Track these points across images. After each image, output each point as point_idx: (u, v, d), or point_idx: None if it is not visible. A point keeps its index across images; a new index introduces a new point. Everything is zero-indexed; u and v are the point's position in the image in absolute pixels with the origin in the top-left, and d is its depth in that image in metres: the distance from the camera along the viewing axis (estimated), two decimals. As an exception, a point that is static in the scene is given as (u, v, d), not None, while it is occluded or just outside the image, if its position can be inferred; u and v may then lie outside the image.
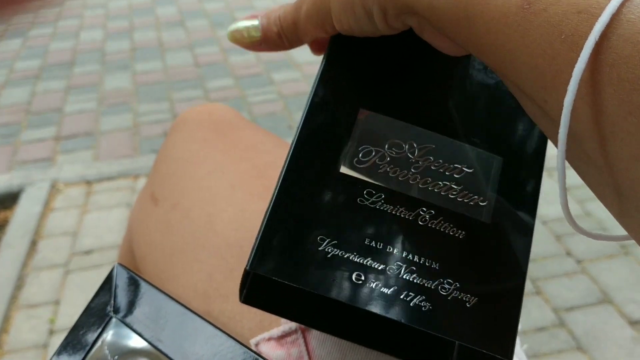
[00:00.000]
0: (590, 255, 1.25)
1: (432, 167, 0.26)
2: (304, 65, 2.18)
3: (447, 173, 0.26)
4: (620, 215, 0.19)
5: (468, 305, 0.24)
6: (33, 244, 1.37)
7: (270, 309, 0.27)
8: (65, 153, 1.74)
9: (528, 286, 1.18)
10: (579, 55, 0.17)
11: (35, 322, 1.17)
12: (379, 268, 0.25)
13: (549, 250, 1.28)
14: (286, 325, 0.34)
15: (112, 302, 0.30)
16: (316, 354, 0.33)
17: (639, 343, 1.06)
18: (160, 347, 0.28)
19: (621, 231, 0.21)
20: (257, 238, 0.25)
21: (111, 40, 2.57)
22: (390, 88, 0.28)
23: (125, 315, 0.30)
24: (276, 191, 0.26)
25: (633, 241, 0.19)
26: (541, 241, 1.30)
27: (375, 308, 0.24)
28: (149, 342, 0.28)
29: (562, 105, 0.17)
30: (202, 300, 0.37)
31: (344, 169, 0.26)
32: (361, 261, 0.25)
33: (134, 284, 0.30)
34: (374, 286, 0.24)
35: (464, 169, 0.27)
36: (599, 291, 1.17)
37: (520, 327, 0.39)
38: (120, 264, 0.31)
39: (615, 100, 0.16)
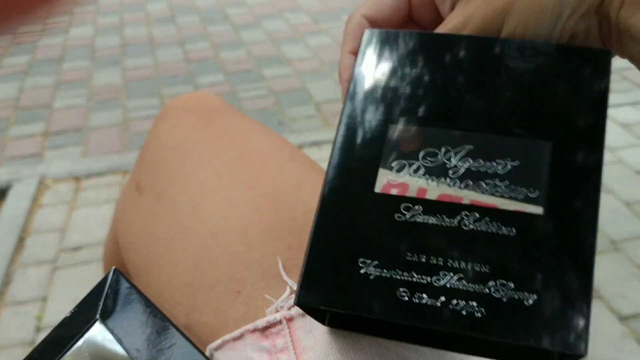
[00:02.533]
0: (580, 251, 1.26)
1: (472, 169, 0.26)
2: (295, 61, 2.17)
3: (489, 171, 0.26)
4: None
5: (527, 304, 0.23)
6: (21, 240, 1.36)
7: (332, 326, 0.29)
8: (54, 149, 1.73)
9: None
10: None
11: (23, 318, 1.16)
12: (424, 281, 0.24)
13: (539, 246, 1.28)
14: (271, 316, 0.33)
15: (101, 305, 0.29)
16: (301, 345, 0.32)
17: (628, 338, 1.06)
18: (136, 356, 0.28)
19: None
20: (301, 270, 0.26)
21: (101, 36, 2.55)
22: (418, 97, 0.28)
23: (111, 321, 0.30)
24: (315, 221, 0.26)
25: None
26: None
27: (423, 322, 0.24)
28: (127, 351, 0.28)
29: None
30: (186, 290, 0.36)
31: (378, 187, 0.26)
32: (405, 277, 0.24)
33: (126, 291, 0.30)
34: (419, 301, 0.24)
35: (508, 162, 0.26)
36: (589, 287, 1.17)
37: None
38: (117, 269, 0.30)
39: None
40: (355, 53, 0.31)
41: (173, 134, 0.46)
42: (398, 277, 0.25)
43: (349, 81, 0.30)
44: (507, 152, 0.26)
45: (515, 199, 0.25)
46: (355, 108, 0.28)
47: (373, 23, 0.31)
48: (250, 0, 2.85)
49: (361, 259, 0.25)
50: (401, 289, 0.24)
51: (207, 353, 0.36)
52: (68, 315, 0.31)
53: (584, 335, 0.23)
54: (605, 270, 1.21)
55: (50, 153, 1.71)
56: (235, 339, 0.33)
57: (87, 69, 2.23)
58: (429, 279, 0.24)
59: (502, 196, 0.25)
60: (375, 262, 0.25)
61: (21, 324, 1.15)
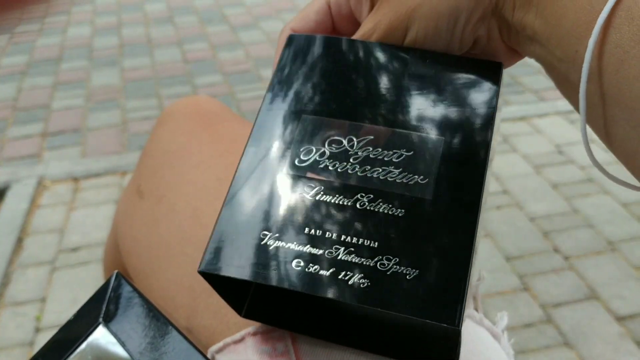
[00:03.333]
0: (577, 252, 1.26)
1: (371, 156, 0.29)
2: (294, 62, 2.17)
3: (385, 159, 0.28)
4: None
5: (408, 278, 0.25)
6: (19, 241, 1.36)
7: (248, 316, 0.31)
8: (52, 149, 1.73)
9: (516, 282, 1.19)
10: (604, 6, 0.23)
11: (22, 319, 1.16)
12: (318, 253, 0.26)
13: (536, 246, 1.28)
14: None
15: (104, 308, 0.30)
16: (302, 349, 0.32)
17: (625, 338, 1.07)
18: (139, 359, 0.29)
19: None
20: (208, 241, 0.28)
21: (99, 36, 2.55)
22: (329, 94, 0.31)
23: (114, 324, 0.30)
24: (226, 197, 0.29)
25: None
26: (529, 238, 1.31)
27: (313, 290, 0.25)
28: (130, 354, 0.29)
29: (588, 45, 0.23)
30: (187, 294, 0.36)
31: (286, 168, 0.29)
32: (300, 249, 0.27)
33: (128, 295, 0.31)
34: (312, 270, 0.26)
35: (404, 152, 0.29)
36: (586, 287, 1.18)
37: (507, 322, 0.39)
38: (120, 273, 0.31)
39: (627, 35, 0.22)
40: None
41: (173, 138, 0.47)
42: (295, 248, 0.27)
43: None
44: (404, 144, 0.29)
45: (407, 184, 0.28)
46: (273, 98, 0.31)
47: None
48: (248, 1, 2.85)
49: (263, 232, 0.27)
50: (296, 260, 0.26)
51: (208, 356, 0.36)
52: (71, 318, 0.31)
53: (458, 309, 0.24)
54: (603, 271, 1.21)
55: (49, 154, 1.71)
56: (236, 342, 0.34)
57: (85, 70, 2.23)
58: (322, 251, 0.26)
59: (395, 181, 0.28)
60: (276, 235, 0.27)
61: (20, 324, 1.15)
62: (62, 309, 1.18)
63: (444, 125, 0.29)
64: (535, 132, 1.70)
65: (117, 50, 2.39)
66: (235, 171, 0.29)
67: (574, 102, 0.27)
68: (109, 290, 0.31)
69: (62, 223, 1.42)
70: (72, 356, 0.29)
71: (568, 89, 0.27)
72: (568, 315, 1.12)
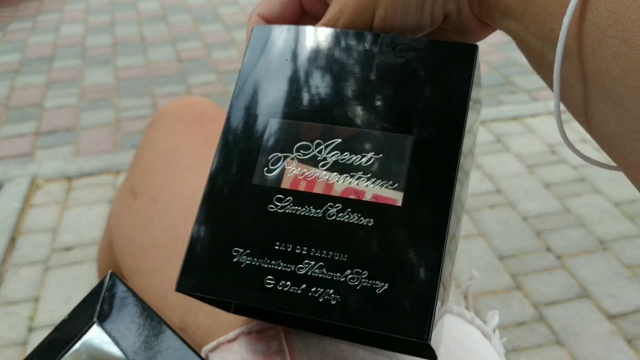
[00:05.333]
0: (569, 251, 1.27)
1: (340, 161, 0.27)
2: (288, 61, 2.17)
3: (354, 164, 0.27)
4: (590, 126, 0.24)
5: (378, 292, 0.25)
6: (12, 241, 1.35)
7: (237, 312, 0.32)
8: (45, 149, 1.72)
9: (508, 281, 1.20)
10: None
11: (15, 319, 1.16)
12: (288, 270, 0.26)
13: (529, 246, 1.29)
14: (266, 318, 0.34)
15: (99, 308, 0.30)
16: (295, 347, 0.33)
17: (616, 337, 1.08)
18: (134, 359, 0.29)
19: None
20: (183, 259, 0.27)
21: (92, 35, 2.54)
22: (296, 93, 0.29)
23: (108, 323, 0.30)
24: (197, 213, 0.28)
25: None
26: (521, 237, 1.32)
27: (284, 308, 0.25)
28: (124, 353, 0.29)
29: (563, 23, 0.22)
30: (180, 294, 0.37)
31: (255, 180, 0.28)
32: (272, 266, 0.26)
33: (122, 294, 0.31)
34: (283, 288, 0.25)
35: (373, 155, 0.27)
36: (578, 286, 1.19)
37: (499, 321, 0.40)
38: (114, 273, 0.31)
39: (604, 13, 0.21)
40: None
41: (167, 139, 0.47)
42: (266, 265, 0.26)
43: None
44: (372, 145, 0.27)
45: (376, 190, 0.26)
46: (240, 102, 0.30)
47: (268, 20, 0.33)
48: (241, 0, 2.85)
49: (235, 248, 0.27)
50: (268, 277, 0.26)
51: (202, 355, 0.36)
52: (65, 318, 0.31)
53: (427, 323, 0.24)
54: (594, 270, 1.22)
55: (42, 153, 1.70)
56: (230, 341, 0.34)
57: (78, 68, 2.22)
58: (293, 267, 0.26)
59: (365, 187, 0.26)
60: (248, 251, 0.26)
61: (13, 324, 1.15)
62: (56, 309, 1.17)
63: (413, 122, 0.27)
64: (527, 132, 1.71)
65: (111, 49, 2.39)
66: (206, 184, 0.29)
67: (549, 81, 0.26)
68: (104, 289, 0.31)
69: (55, 222, 1.41)
70: (66, 355, 0.29)
71: (543, 67, 0.26)
72: (560, 313, 1.13)
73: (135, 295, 0.30)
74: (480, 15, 0.29)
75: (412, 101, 0.28)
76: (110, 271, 0.31)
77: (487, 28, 0.30)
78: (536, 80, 2.00)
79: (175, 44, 2.39)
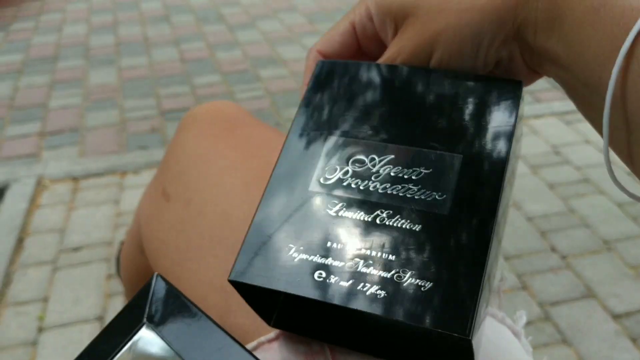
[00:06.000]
0: (574, 251, 1.29)
1: (392, 174, 0.30)
2: (291, 62, 2.18)
3: (405, 177, 0.30)
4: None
5: (423, 290, 0.26)
6: (19, 241, 1.36)
7: (277, 326, 0.33)
8: (51, 149, 1.72)
9: (514, 281, 1.21)
10: (627, 35, 0.24)
11: (24, 319, 1.16)
12: (339, 265, 0.28)
13: (534, 246, 1.30)
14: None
15: (147, 309, 0.31)
16: (336, 348, 0.34)
17: (621, 336, 1.09)
18: (187, 359, 0.29)
19: None
20: (238, 251, 0.30)
21: (95, 35, 2.54)
22: (354, 115, 0.33)
23: (158, 324, 0.31)
24: (256, 211, 0.31)
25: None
26: (527, 237, 1.33)
27: (332, 299, 0.27)
28: (177, 353, 0.30)
29: (612, 74, 0.24)
30: (219, 295, 0.37)
31: (312, 187, 0.31)
32: (322, 261, 0.28)
33: (171, 296, 0.32)
34: (333, 281, 0.28)
35: (423, 170, 0.30)
36: (583, 286, 1.20)
37: (525, 320, 0.41)
38: (160, 275, 0.32)
39: None
40: None
41: (197, 142, 0.47)
42: (318, 260, 0.28)
43: None
44: (423, 161, 0.30)
45: (425, 201, 0.29)
46: (302, 120, 0.33)
47: (326, 57, 0.36)
48: (244, 0, 2.85)
49: (289, 245, 0.29)
50: (318, 272, 0.28)
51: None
52: (113, 319, 0.32)
53: (470, 319, 0.25)
54: (599, 270, 1.23)
55: (47, 153, 1.71)
56: (270, 341, 0.35)
57: (82, 68, 2.22)
58: (342, 264, 0.28)
59: (413, 197, 0.29)
60: (301, 248, 0.29)
61: (22, 324, 1.15)
62: (65, 309, 1.18)
63: (462, 143, 0.30)
64: (531, 133, 1.72)
65: (114, 49, 2.39)
66: (266, 187, 0.31)
67: (597, 125, 0.28)
68: (151, 291, 0.32)
69: (63, 223, 1.42)
70: (117, 357, 0.30)
71: (591, 112, 0.28)
72: (565, 313, 1.14)
73: (182, 295, 0.31)
74: (530, 63, 0.31)
75: (462, 126, 0.31)
76: (155, 273, 0.32)
77: (535, 75, 0.32)
78: (540, 82, 2.00)
79: (178, 44, 2.39)
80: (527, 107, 1.86)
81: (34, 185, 1.54)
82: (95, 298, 1.20)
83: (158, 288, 0.32)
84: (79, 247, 1.34)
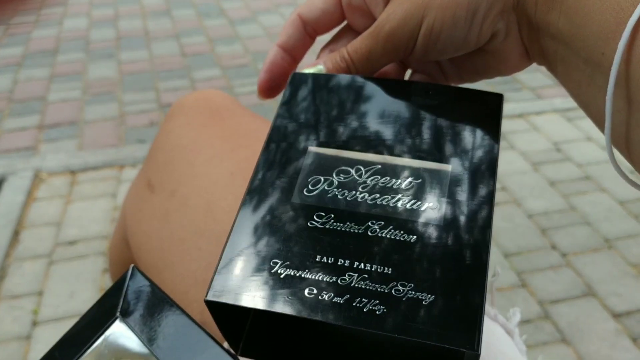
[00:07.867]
0: (574, 249, 1.27)
1: (380, 184, 0.29)
2: (292, 57, 2.17)
3: (394, 187, 0.29)
4: None
5: (425, 304, 0.25)
6: (15, 234, 1.35)
7: (231, 340, 0.30)
8: (49, 142, 1.72)
9: (514, 279, 1.19)
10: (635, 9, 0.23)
11: (18, 313, 1.16)
12: (330, 280, 0.26)
13: (534, 243, 1.29)
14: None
15: (122, 303, 0.29)
16: None
17: (621, 335, 1.08)
18: (159, 354, 0.28)
19: None
20: (215, 269, 0.27)
21: (95, 28, 2.53)
22: (335, 126, 0.32)
23: (131, 318, 0.30)
24: (234, 222, 0.28)
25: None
26: (527, 235, 1.31)
27: (326, 317, 0.25)
28: (149, 348, 0.28)
29: (616, 49, 0.23)
30: (201, 288, 0.36)
31: (295, 199, 0.29)
32: (312, 277, 0.26)
33: (146, 289, 0.30)
34: (326, 297, 0.25)
35: (412, 180, 0.29)
36: (583, 284, 1.19)
37: (519, 318, 0.40)
38: (136, 267, 0.31)
39: None
40: (283, 47, 0.36)
41: (184, 132, 0.46)
42: (307, 276, 0.26)
43: (266, 71, 0.36)
44: (411, 171, 0.29)
45: (418, 210, 0.28)
46: (278, 132, 0.32)
47: (306, 23, 0.35)
48: (245, -5, 2.84)
49: (273, 260, 0.27)
50: (308, 288, 0.26)
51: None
52: (86, 313, 0.31)
53: (476, 334, 0.24)
54: (600, 268, 1.22)
55: (45, 146, 1.70)
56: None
57: (82, 62, 2.22)
58: (335, 278, 0.26)
59: (405, 207, 0.28)
60: (287, 263, 0.26)
61: (17, 318, 1.15)
62: (60, 303, 1.17)
63: (449, 154, 0.30)
64: (532, 130, 1.71)
65: (114, 42, 2.38)
66: (243, 200, 0.29)
67: (595, 105, 0.26)
68: (126, 284, 0.30)
69: (59, 216, 1.41)
70: (89, 351, 0.29)
71: (591, 91, 0.26)
72: (565, 311, 1.13)
73: (158, 289, 0.30)
74: (528, 39, 0.30)
75: (447, 136, 0.30)
76: (132, 265, 0.31)
77: (525, 57, 0.31)
78: (541, 78, 1.99)
79: (179, 39, 2.38)
80: (528, 103, 1.85)
81: (31, 178, 1.53)
82: (90, 292, 1.19)
83: (134, 281, 0.31)
84: (75, 241, 1.33)
